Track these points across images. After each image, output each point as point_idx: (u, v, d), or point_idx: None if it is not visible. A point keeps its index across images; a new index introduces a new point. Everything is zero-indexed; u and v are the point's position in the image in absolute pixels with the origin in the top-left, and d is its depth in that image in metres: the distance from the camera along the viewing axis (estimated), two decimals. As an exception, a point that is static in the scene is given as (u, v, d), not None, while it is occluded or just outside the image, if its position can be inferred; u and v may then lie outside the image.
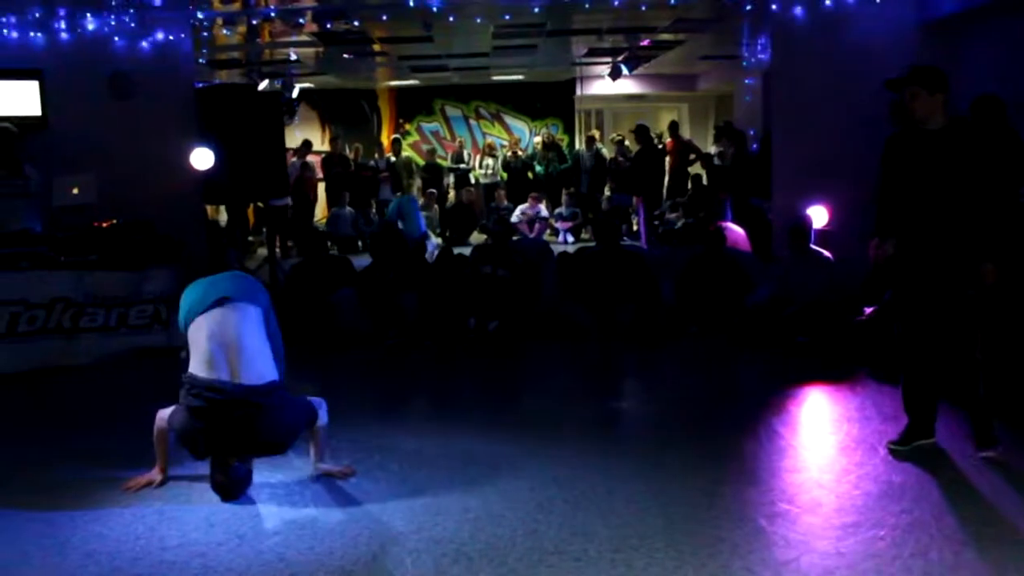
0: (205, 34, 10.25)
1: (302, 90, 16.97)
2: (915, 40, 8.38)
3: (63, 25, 8.74)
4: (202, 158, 8.14)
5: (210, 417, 4.14)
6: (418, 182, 17.02)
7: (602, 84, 18.13)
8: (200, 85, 10.04)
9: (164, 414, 4.38)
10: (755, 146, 12.46)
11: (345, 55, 13.98)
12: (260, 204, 13.76)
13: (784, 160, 8.88)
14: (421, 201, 15.36)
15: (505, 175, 16.84)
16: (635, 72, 16.27)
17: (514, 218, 15.13)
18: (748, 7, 9.13)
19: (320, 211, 16.33)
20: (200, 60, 12.24)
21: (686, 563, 3.52)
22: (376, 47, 13.36)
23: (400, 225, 12.67)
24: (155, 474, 4.52)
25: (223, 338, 4.24)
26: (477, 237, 15.30)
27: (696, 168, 15.15)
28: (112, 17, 8.74)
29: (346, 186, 15.41)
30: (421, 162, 17.47)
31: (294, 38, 12.20)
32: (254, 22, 10.26)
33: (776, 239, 8.84)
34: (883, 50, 8.36)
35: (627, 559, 3.57)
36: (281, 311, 4.96)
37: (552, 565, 3.54)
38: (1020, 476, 4.35)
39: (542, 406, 6.13)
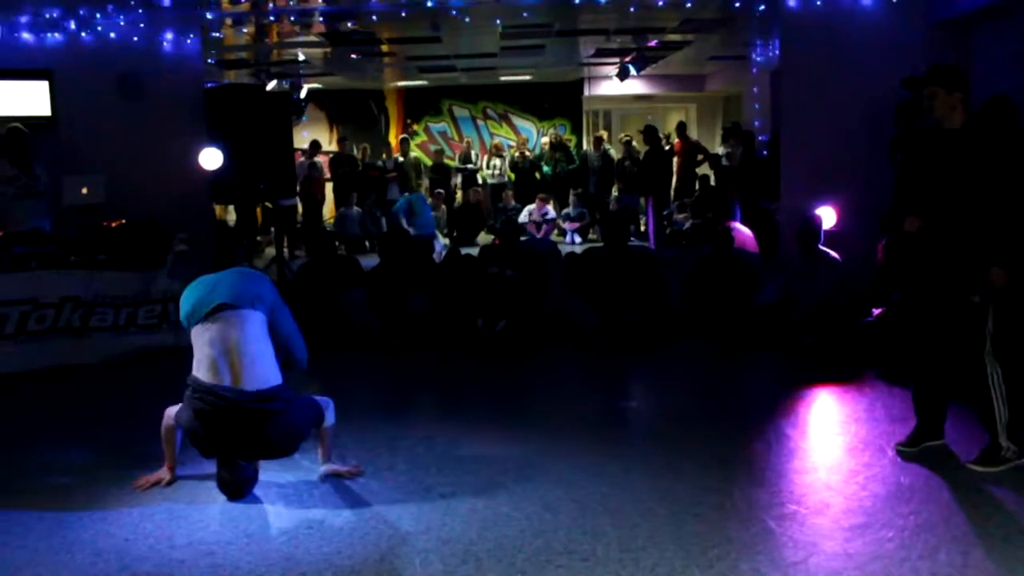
0: (214, 35, 10.27)
1: (310, 90, 17.01)
2: (926, 40, 8.36)
3: (73, 26, 8.78)
4: (210, 158, 8.17)
5: (214, 421, 4.14)
6: (425, 182, 17.04)
7: (610, 84, 18.14)
8: (209, 85, 10.06)
9: (172, 412, 4.39)
10: (764, 152, 12.44)
11: (353, 55, 14.01)
12: (268, 204, 13.81)
13: (792, 161, 8.87)
14: (428, 201, 15.37)
15: (512, 175, 16.84)
16: (643, 72, 16.26)
17: (521, 218, 15.13)
18: (760, 7, 9.11)
19: (328, 211, 16.35)
20: (209, 60, 12.27)
21: (694, 563, 3.52)
22: (384, 47, 13.39)
23: (406, 224, 12.70)
24: (164, 472, 4.53)
25: (225, 344, 4.22)
26: (484, 238, 15.30)
27: (704, 169, 15.13)
28: (121, 18, 8.77)
29: (354, 186, 15.42)
30: (429, 162, 17.49)
31: (302, 38, 12.23)
32: (263, 22, 10.28)
33: (784, 240, 8.82)
34: (893, 50, 8.35)
35: (635, 559, 3.57)
36: (290, 311, 4.96)
37: (561, 565, 3.54)
38: (1029, 478, 4.35)
39: (550, 406, 6.13)
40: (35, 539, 3.93)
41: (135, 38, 8.90)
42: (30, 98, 8.52)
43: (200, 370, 4.23)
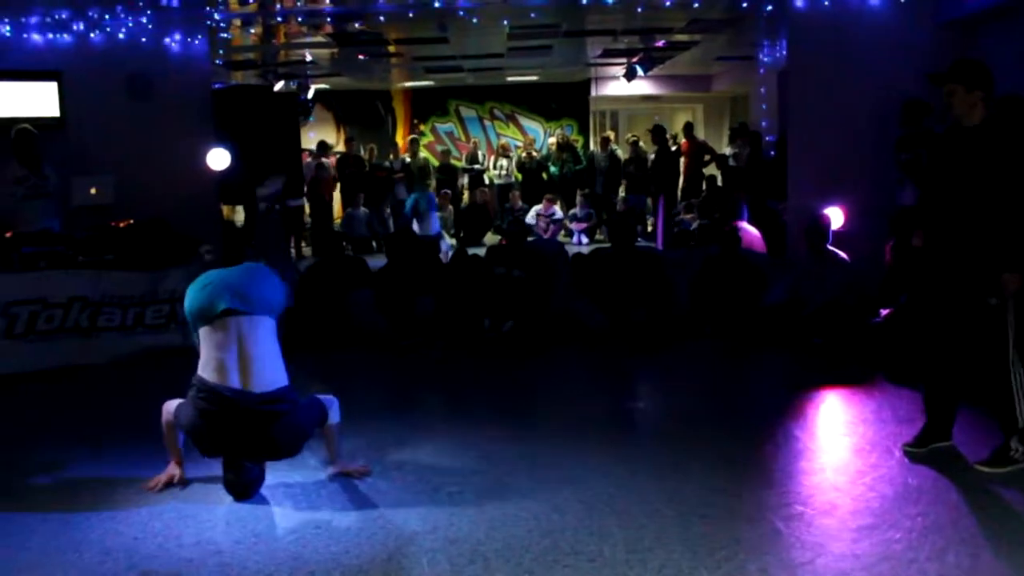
0: (223, 36, 10.30)
1: (317, 91, 17.03)
2: (933, 40, 8.35)
3: (81, 27, 8.81)
4: (218, 158, 8.19)
5: (218, 422, 4.15)
6: (432, 183, 17.04)
7: (617, 85, 18.12)
8: (217, 86, 10.09)
9: (171, 407, 4.37)
10: (771, 137, 12.43)
11: (360, 56, 14.03)
12: (276, 205, 13.82)
13: (800, 161, 8.86)
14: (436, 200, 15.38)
15: (519, 176, 16.84)
16: (650, 73, 16.25)
17: (528, 219, 15.13)
18: (767, 7, 9.10)
19: (335, 211, 16.37)
20: (216, 61, 12.30)
21: (701, 564, 3.52)
22: (391, 48, 13.40)
23: (415, 225, 12.70)
24: (173, 468, 4.51)
25: (233, 348, 4.21)
26: (491, 238, 15.31)
27: (711, 169, 15.12)
28: (130, 19, 8.80)
29: (361, 187, 15.44)
30: (436, 163, 17.50)
31: (309, 39, 12.26)
32: (270, 23, 10.30)
33: (791, 240, 8.81)
34: (901, 50, 8.35)
35: (642, 559, 3.57)
36: (297, 311, 4.97)
37: (568, 565, 3.55)
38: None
39: (557, 406, 6.14)
40: (44, 538, 3.95)
41: (143, 39, 8.92)
42: (39, 99, 8.55)
43: (206, 370, 4.23)
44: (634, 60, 15.27)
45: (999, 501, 4.12)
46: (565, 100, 19.38)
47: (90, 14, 8.72)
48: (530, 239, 11.03)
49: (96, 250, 7.62)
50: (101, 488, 4.53)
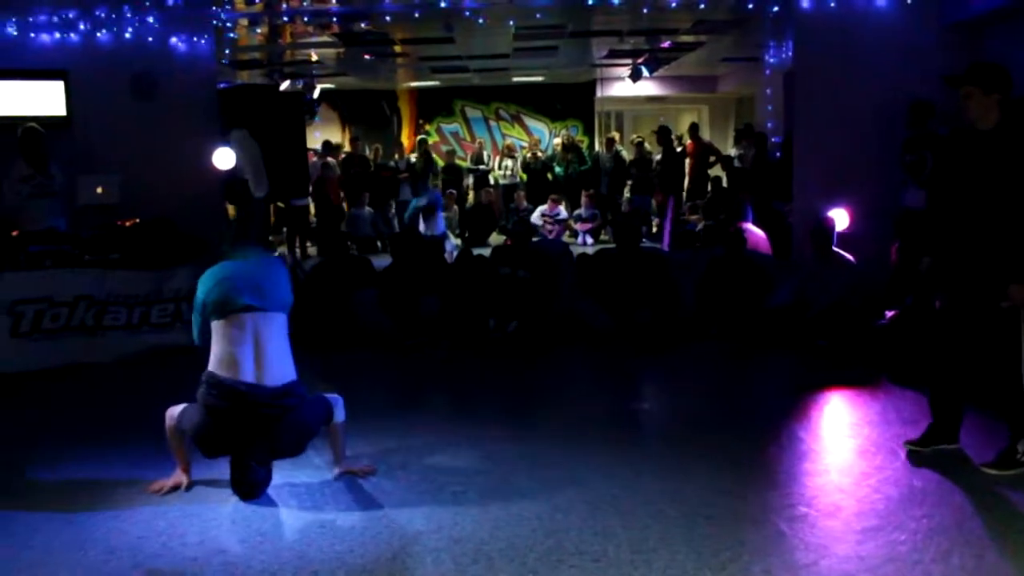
0: (229, 35, 10.31)
1: (323, 91, 17.05)
2: (939, 42, 8.34)
3: (88, 27, 8.83)
4: (224, 158, 8.20)
5: (231, 418, 4.15)
6: (438, 183, 17.05)
7: (622, 86, 18.14)
8: (223, 85, 10.10)
9: (174, 412, 4.37)
10: (776, 138, 12.41)
11: (366, 56, 14.05)
12: (281, 204, 13.85)
13: (805, 162, 8.85)
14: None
15: (524, 176, 16.84)
16: (655, 74, 16.25)
17: (533, 219, 15.13)
18: (773, 9, 9.09)
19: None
20: (223, 61, 12.32)
21: (705, 565, 3.52)
22: (397, 48, 13.41)
23: (420, 224, 12.70)
24: (180, 476, 4.50)
25: (247, 342, 4.22)
26: (496, 238, 15.31)
27: (716, 170, 15.11)
28: (136, 18, 8.81)
29: (366, 186, 15.45)
30: (441, 163, 17.52)
31: (315, 39, 12.27)
32: (276, 23, 10.32)
33: (796, 242, 8.81)
34: (907, 52, 8.34)
35: (647, 560, 3.57)
36: (302, 311, 4.97)
37: (572, 565, 3.55)
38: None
39: (561, 407, 6.13)
40: (49, 536, 3.96)
41: (149, 38, 8.93)
42: (45, 98, 8.57)
43: (218, 365, 4.23)
44: (639, 61, 15.26)
45: (1004, 503, 4.11)
46: (570, 101, 19.40)
47: (96, 13, 8.74)
48: (535, 240, 11.04)
49: (102, 249, 7.64)
50: (105, 487, 4.53)
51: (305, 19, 10.00)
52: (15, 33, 8.75)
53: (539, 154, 17.15)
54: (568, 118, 19.45)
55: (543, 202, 15.70)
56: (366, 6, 9.62)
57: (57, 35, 8.86)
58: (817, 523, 3.91)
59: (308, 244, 14.40)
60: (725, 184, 14.65)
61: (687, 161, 14.73)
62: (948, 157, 4.70)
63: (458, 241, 14.74)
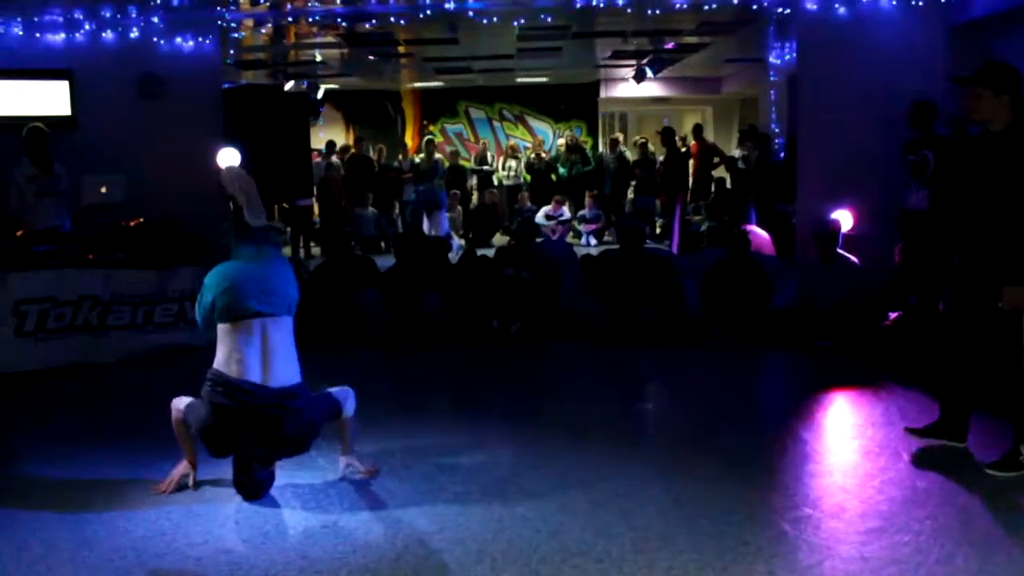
0: (233, 36, 10.32)
1: (327, 91, 17.06)
2: (944, 43, 8.33)
3: (93, 27, 8.84)
4: (228, 158, 8.20)
5: (235, 417, 4.16)
6: (442, 183, 17.05)
7: (626, 87, 18.13)
8: (227, 86, 10.11)
9: (180, 404, 4.34)
10: (780, 140, 12.40)
11: (370, 56, 14.05)
12: (285, 204, 13.86)
13: (809, 164, 8.84)
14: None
15: (528, 177, 16.85)
16: (659, 75, 16.24)
17: (537, 220, 15.13)
18: (776, 10, 9.09)
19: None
20: (227, 61, 12.32)
21: (708, 565, 3.52)
22: (401, 49, 13.42)
23: (424, 224, 12.73)
24: (184, 468, 4.49)
25: (255, 344, 4.22)
26: (500, 239, 15.32)
27: (720, 171, 15.11)
28: (141, 18, 8.83)
29: (369, 187, 15.46)
30: (446, 163, 17.52)
31: (319, 39, 12.28)
32: (281, 23, 10.32)
33: (800, 243, 8.80)
34: (911, 53, 8.33)
35: (650, 560, 3.57)
36: (305, 311, 4.97)
37: (576, 566, 3.55)
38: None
39: (564, 408, 6.13)
40: (54, 535, 3.97)
41: (154, 39, 8.95)
42: (51, 98, 8.59)
43: (225, 364, 4.23)
44: (643, 62, 15.26)
45: (1008, 504, 4.10)
46: (574, 101, 19.40)
47: (102, 13, 8.75)
48: (538, 240, 11.04)
49: (106, 249, 7.66)
50: (110, 486, 4.55)
51: (310, 20, 10.01)
52: (20, 33, 8.77)
53: (543, 155, 17.13)
54: (572, 119, 19.45)
55: (547, 203, 15.70)
56: (371, 7, 9.63)
57: (62, 35, 8.87)
58: (820, 524, 3.91)
59: (312, 244, 14.42)
60: (729, 185, 14.64)
61: (691, 162, 14.73)
62: (956, 158, 4.68)
63: (462, 242, 14.75)
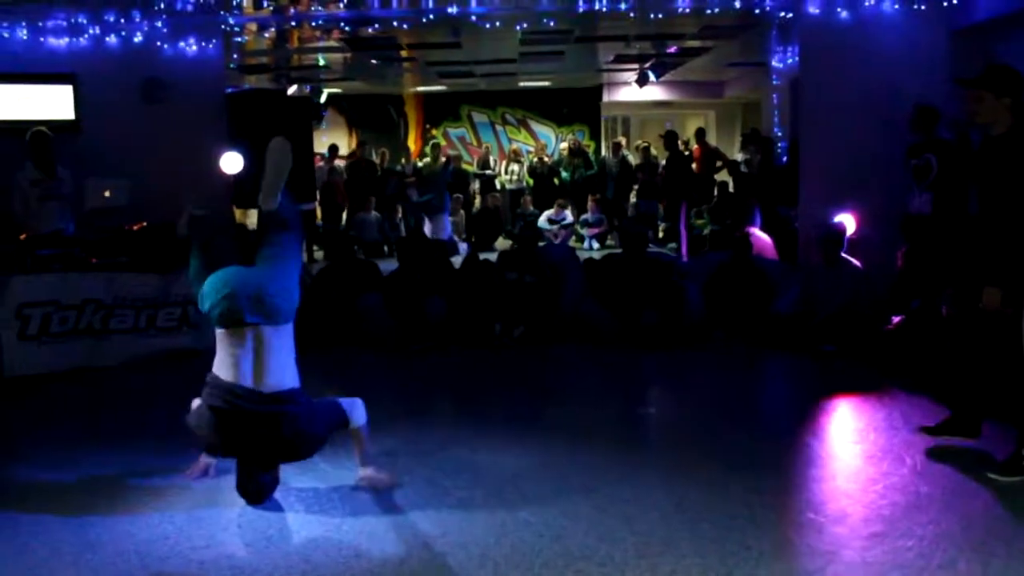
0: (236, 40, 10.34)
1: (330, 95, 17.08)
2: (946, 47, 8.33)
3: (97, 31, 8.86)
4: (232, 162, 8.21)
5: (230, 421, 4.15)
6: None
7: (629, 91, 18.14)
8: (230, 90, 10.13)
9: (194, 404, 4.36)
10: (783, 144, 12.40)
11: (373, 61, 14.07)
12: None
13: (812, 168, 8.85)
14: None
15: (531, 181, 16.86)
16: (662, 79, 16.24)
17: (540, 224, 15.14)
18: (778, 14, 9.10)
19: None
20: (230, 65, 12.34)
21: (711, 570, 3.52)
22: (404, 53, 13.44)
23: (426, 227, 12.74)
24: (206, 458, 4.59)
25: (248, 350, 4.20)
26: (502, 243, 15.32)
27: (722, 175, 15.11)
28: (145, 23, 8.85)
29: (372, 191, 15.48)
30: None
31: (322, 44, 12.30)
32: (284, 28, 10.34)
33: (802, 247, 8.80)
34: (913, 57, 8.33)
35: (652, 565, 3.57)
36: (308, 315, 4.97)
37: (579, 570, 3.55)
38: (1050, 488, 4.32)
39: (567, 412, 6.14)
40: (57, 538, 3.97)
41: (158, 43, 8.97)
42: (54, 102, 8.61)
43: (220, 368, 4.24)
44: (646, 66, 15.27)
45: (1011, 510, 4.09)
46: (577, 105, 19.41)
47: (106, 18, 8.77)
48: (541, 244, 11.05)
49: (110, 252, 7.67)
50: (113, 490, 4.55)
51: (313, 24, 10.02)
52: (25, 37, 8.79)
53: (545, 159, 17.15)
54: (574, 123, 19.46)
55: (549, 207, 15.71)
56: (374, 11, 9.64)
57: (66, 39, 8.89)
58: (823, 529, 3.91)
59: (315, 248, 14.42)
60: (731, 189, 14.64)
61: (693, 166, 14.73)
62: (961, 163, 4.69)
63: (471, 240, 14.79)
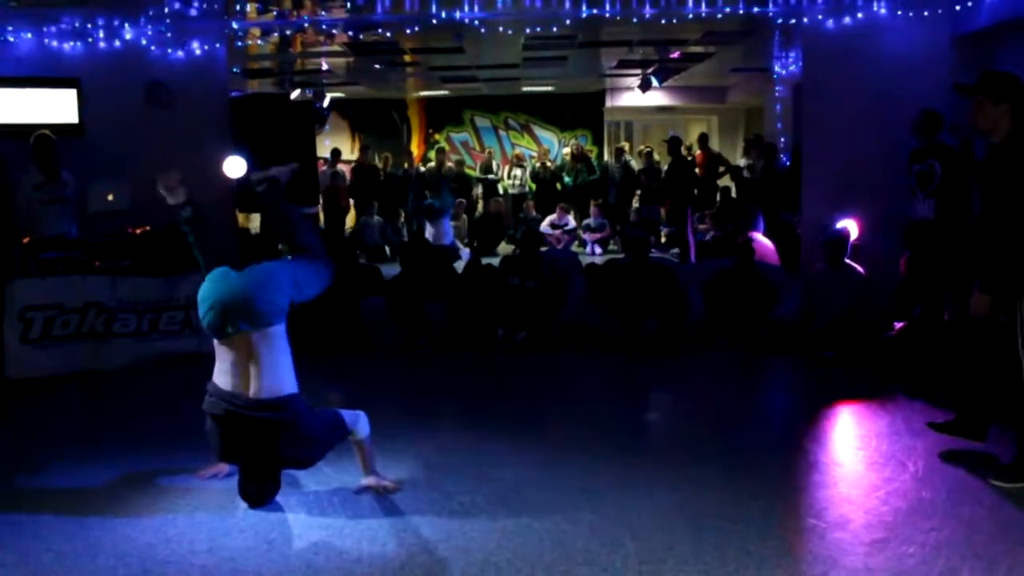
0: (239, 44, 10.36)
1: (333, 99, 17.10)
2: (948, 53, 8.34)
3: (101, 35, 8.88)
4: (235, 166, 8.21)
5: (227, 426, 4.18)
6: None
7: (632, 96, 18.16)
8: (234, 94, 10.15)
9: None
10: (785, 156, 12.39)
11: (376, 65, 14.09)
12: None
13: (814, 173, 8.85)
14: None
15: (533, 186, 16.88)
16: (665, 84, 16.26)
17: (542, 229, 15.15)
18: (781, 20, 9.11)
19: (349, 219, 16.43)
20: (234, 69, 12.36)
21: (713, 576, 3.53)
22: (407, 58, 13.46)
23: (428, 232, 12.74)
24: (223, 465, 4.60)
25: (241, 356, 4.20)
26: (505, 248, 15.33)
27: (725, 181, 15.11)
28: (149, 27, 8.87)
29: (375, 195, 15.50)
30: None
31: (326, 48, 12.32)
32: (287, 32, 10.36)
33: (805, 253, 8.80)
34: (915, 63, 8.33)
35: (654, 571, 3.57)
36: (310, 319, 4.97)
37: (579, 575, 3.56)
38: (1052, 495, 4.31)
39: (569, 416, 6.13)
40: (59, 542, 3.97)
41: (162, 47, 8.98)
42: (58, 105, 8.62)
43: (219, 376, 4.26)
44: (649, 71, 15.28)
45: (1013, 516, 4.09)
46: (579, 110, 19.42)
47: (111, 22, 8.79)
48: (543, 249, 11.05)
49: (113, 256, 7.70)
50: (115, 493, 4.56)
51: (318, 26, 10.03)
52: (29, 40, 8.81)
53: (548, 164, 17.17)
54: (577, 128, 19.46)
55: (552, 212, 15.71)
56: (377, 16, 9.66)
57: (70, 43, 8.91)
58: (825, 535, 3.90)
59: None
60: (734, 195, 14.64)
61: (696, 171, 14.72)
62: (964, 167, 4.70)
63: (467, 251, 14.78)
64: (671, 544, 3.81)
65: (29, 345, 7.07)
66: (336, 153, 15.94)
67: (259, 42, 11.01)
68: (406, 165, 17.64)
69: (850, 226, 8.17)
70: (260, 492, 4.30)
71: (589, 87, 18.52)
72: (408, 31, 9.88)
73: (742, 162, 14.98)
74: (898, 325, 6.98)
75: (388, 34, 10.35)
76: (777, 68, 13.19)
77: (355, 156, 17.57)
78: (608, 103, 19.26)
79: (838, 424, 5.86)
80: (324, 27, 10.05)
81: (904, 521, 4.03)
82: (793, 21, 9.13)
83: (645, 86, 15.81)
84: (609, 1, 8.78)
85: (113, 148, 8.64)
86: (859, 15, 8.52)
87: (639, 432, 5.86)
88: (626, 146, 17.66)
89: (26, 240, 7.52)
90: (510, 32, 10.21)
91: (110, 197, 8.31)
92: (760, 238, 9.82)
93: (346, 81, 16.21)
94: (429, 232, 13.89)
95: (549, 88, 18.40)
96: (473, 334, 8.08)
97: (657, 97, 18.08)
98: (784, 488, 4.53)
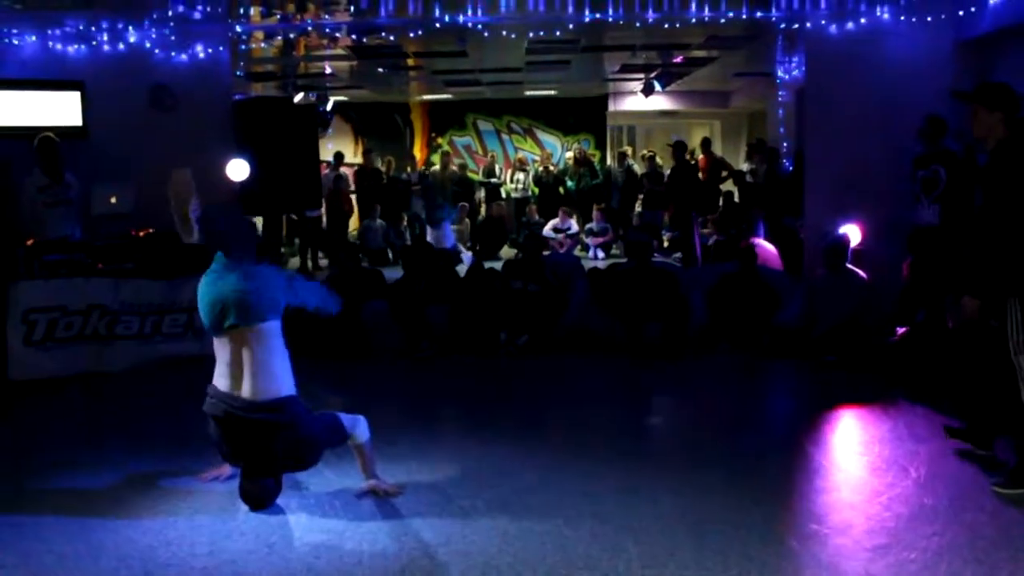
0: (243, 47, 10.38)
1: (336, 103, 17.12)
2: (950, 59, 8.34)
3: (105, 38, 8.90)
4: (238, 169, 8.24)
5: (225, 427, 4.21)
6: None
7: (634, 100, 18.16)
8: (237, 98, 10.16)
9: None
10: (788, 161, 12.38)
11: (379, 69, 14.11)
12: (294, 216, 13.92)
13: (817, 178, 8.85)
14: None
15: (536, 190, 16.88)
16: (668, 88, 16.27)
17: (545, 232, 15.15)
18: (784, 25, 9.12)
19: (352, 223, 16.44)
20: (237, 72, 12.37)
21: (714, 581, 3.52)
22: (410, 61, 13.48)
23: (429, 236, 12.75)
24: (225, 468, 4.62)
25: (236, 356, 4.22)
26: (507, 252, 15.33)
27: (728, 185, 15.11)
28: (153, 30, 8.88)
29: (378, 199, 15.51)
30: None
31: (329, 52, 12.34)
32: (291, 36, 10.38)
33: (807, 257, 8.80)
34: (917, 68, 8.34)
35: (656, 575, 3.57)
36: (312, 322, 4.97)
37: (580, 580, 3.55)
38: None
39: (571, 420, 6.14)
40: (60, 544, 3.97)
41: (165, 50, 9.00)
42: (62, 108, 8.62)
43: (217, 377, 4.30)
44: (652, 75, 15.28)
45: (1015, 522, 4.08)
46: (582, 114, 19.43)
47: (115, 25, 8.80)
48: (546, 253, 11.05)
49: (116, 258, 7.71)
50: (117, 495, 4.56)
51: (323, 30, 10.05)
52: (33, 43, 8.83)
53: (551, 168, 17.18)
54: (580, 132, 19.47)
55: (555, 216, 15.72)
56: (380, 20, 9.68)
57: (74, 46, 8.93)
58: (827, 540, 3.90)
59: (320, 255, 14.45)
60: (737, 199, 14.64)
61: (699, 176, 14.71)
62: (968, 173, 4.72)
63: (469, 254, 14.79)
64: (673, 549, 3.81)
65: (32, 347, 7.08)
66: (339, 156, 15.96)
67: (263, 45, 11.02)
68: (409, 169, 17.65)
69: (852, 231, 8.17)
70: (261, 494, 4.30)
71: (592, 91, 18.53)
72: (411, 35, 9.89)
73: (745, 167, 14.98)
74: (900, 330, 6.97)
75: (391, 38, 10.37)
76: (780, 73, 13.18)
77: (358, 159, 17.61)
78: (611, 107, 19.27)
79: (840, 429, 5.85)
80: (327, 31, 10.07)
81: (906, 527, 4.03)
82: (796, 26, 9.15)
83: (648, 90, 15.82)
84: (612, 5, 8.78)
85: (117, 151, 8.64)
86: (862, 20, 8.53)
87: (641, 436, 5.86)
88: (629, 150, 17.66)
89: (30, 242, 7.52)
90: (513, 36, 10.23)
91: (113, 200, 8.32)
92: (763, 243, 9.82)
93: (349, 84, 16.23)
94: (431, 236, 13.91)
95: (552, 92, 18.41)
96: (475, 338, 8.08)
97: (660, 101, 18.09)
98: (786, 493, 4.52)
